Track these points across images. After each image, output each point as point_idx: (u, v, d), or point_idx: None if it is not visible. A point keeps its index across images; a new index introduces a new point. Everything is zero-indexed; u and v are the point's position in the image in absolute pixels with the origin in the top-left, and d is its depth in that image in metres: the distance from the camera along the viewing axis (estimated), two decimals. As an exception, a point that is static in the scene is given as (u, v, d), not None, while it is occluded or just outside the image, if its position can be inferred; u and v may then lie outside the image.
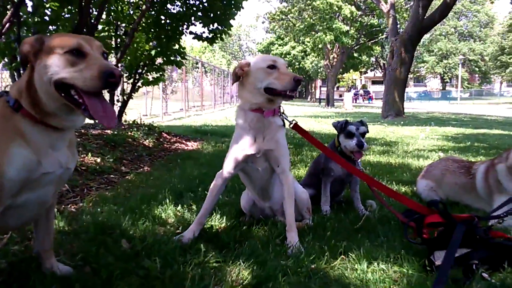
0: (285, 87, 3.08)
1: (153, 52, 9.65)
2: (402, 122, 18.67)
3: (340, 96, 61.75)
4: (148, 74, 10.83)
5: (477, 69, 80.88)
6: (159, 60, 10.54)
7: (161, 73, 10.91)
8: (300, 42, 54.13)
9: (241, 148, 3.34)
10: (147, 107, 23.23)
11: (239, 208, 3.98)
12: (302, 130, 3.53)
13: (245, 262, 2.81)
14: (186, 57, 11.83)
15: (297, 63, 71.20)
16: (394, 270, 2.79)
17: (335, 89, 65.51)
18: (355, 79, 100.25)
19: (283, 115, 3.37)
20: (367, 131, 4.14)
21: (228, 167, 3.40)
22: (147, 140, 8.51)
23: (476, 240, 2.91)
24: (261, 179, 3.52)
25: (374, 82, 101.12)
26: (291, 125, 3.44)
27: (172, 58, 10.13)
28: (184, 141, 9.89)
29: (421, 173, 5.12)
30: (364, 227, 3.65)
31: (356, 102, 63.75)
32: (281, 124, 3.38)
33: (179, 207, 4.03)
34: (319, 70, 65.31)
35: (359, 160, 4.14)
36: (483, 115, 27.82)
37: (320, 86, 72.16)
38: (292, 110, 33.28)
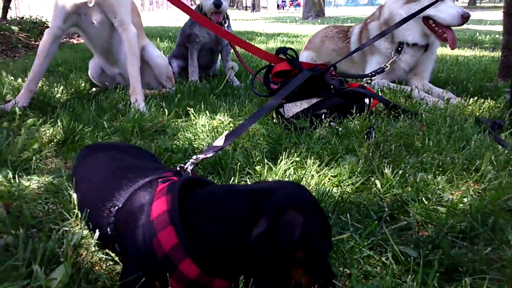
0: None
1: None
2: (319, 21, 18.33)
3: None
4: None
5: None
6: None
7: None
8: None
9: None
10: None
11: (90, 80, 3.54)
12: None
13: (63, 120, 2.42)
14: None
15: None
16: (237, 123, 2.52)
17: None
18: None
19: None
20: None
21: (56, 21, 2.83)
22: (28, 34, 7.70)
23: (327, 89, 2.68)
24: (100, 37, 3.03)
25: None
26: None
27: None
28: (76, 37, 9.03)
29: (305, 45, 4.84)
30: (224, 92, 3.35)
31: (283, 9, 62.41)
32: None
33: (19, 80, 3.51)
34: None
35: (226, 25, 3.72)
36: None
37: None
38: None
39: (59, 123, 2.39)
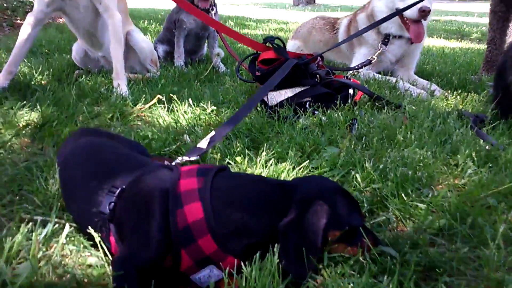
0: None
1: None
2: (310, 8, 18.25)
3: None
4: None
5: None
6: None
7: None
8: None
9: None
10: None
11: (72, 63, 3.46)
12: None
13: (42, 105, 2.36)
14: None
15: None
16: (220, 110, 2.48)
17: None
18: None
19: None
20: None
21: (40, 5, 2.79)
22: (14, 13, 7.60)
23: (313, 78, 2.66)
24: (84, 21, 2.97)
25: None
26: None
27: None
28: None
29: (291, 35, 4.81)
30: (209, 78, 3.31)
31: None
32: None
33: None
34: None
35: (213, 12, 3.65)
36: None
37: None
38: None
39: (38, 107, 2.34)
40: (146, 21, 7.89)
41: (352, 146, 1.91)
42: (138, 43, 3.29)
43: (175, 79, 3.20)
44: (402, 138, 1.95)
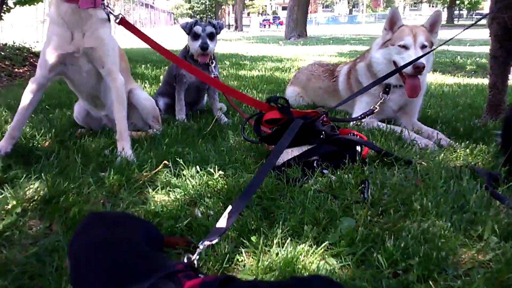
0: None
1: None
2: (302, 42, 18.51)
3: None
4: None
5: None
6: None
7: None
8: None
9: (55, 46, 2.73)
10: (38, 33, 21.05)
11: (74, 121, 3.44)
12: (133, 27, 2.98)
13: (48, 175, 2.32)
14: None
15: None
16: (227, 174, 2.45)
17: (247, 15, 64.57)
18: (266, 6, 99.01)
19: (108, 8, 2.78)
20: (217, 32, 3.65)
21: (42, 70, 2.79)
22: (12, 62, 7.62)
23: (318, 136, 2.64)
24: (87, 84, 2.97)
25: (284, 8, 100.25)
26: (117, 20, 2.87)
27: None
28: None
29: (290, 81, 4.83)
30: (212, 134, 3.29)
31: (267, 27, 63.36)
32: (105, 18, 2.79)
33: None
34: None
35: (213, 65, 3.67)
36: (383, 36, 28.27)
37: (229, 12, 70.66)
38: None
39: (43, 177, 2.30)
40: (142, 65, 7.93)
41: (368, 216, 1.86)
42: (141, 102, 3.29)
43: (178, 136, 3.17)
44: (419, 207, 1.91)
